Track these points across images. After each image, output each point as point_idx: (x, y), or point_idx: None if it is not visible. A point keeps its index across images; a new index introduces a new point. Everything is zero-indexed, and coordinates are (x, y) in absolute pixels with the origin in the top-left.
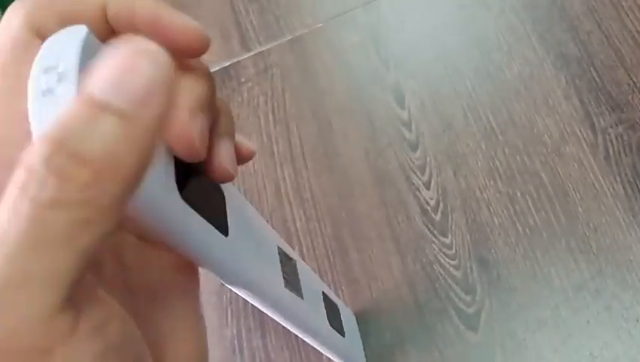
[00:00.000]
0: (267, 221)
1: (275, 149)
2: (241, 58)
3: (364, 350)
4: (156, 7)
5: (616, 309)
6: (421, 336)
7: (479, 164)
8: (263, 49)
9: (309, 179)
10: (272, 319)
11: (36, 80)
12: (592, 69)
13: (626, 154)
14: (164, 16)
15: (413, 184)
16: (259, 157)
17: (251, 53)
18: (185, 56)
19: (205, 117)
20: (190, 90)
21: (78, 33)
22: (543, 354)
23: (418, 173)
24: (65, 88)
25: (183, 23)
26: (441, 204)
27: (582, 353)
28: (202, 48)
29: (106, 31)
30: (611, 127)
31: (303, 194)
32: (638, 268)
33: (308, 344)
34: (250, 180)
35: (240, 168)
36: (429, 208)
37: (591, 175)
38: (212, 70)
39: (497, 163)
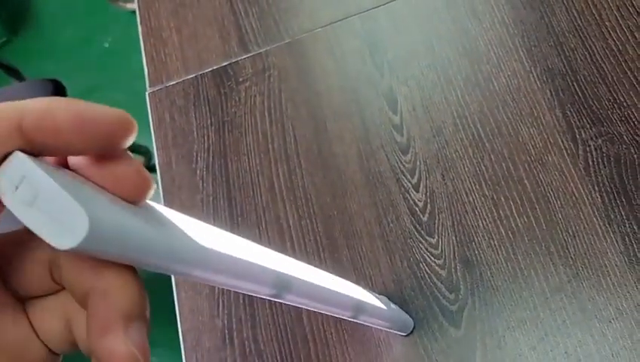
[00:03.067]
0: (261, 217)
1: (270, 147)
2: (239, 58)
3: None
4: (75, 105)
5: (590, 311)
6: (412, 332)
7: (466, 168)
8: (262, 50)
9: (302, 178)
10: (262, 311)
11: (13, 197)
12: (575, 83)
13: (604, 165)
14: (85, 112)
15: (403, 186)
16: (254, 155)
17: (250, 54)
18: (114, 143)
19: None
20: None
21: (18, 157)
22: (521, 351)
23: (408, 176)
24: (47, 192)
25: (104, 113)
26: (429, 206)
27: (557, 351)
28: (129, 131)
29: (24, 144)
30: (592, 139)
31: (296, 192)
32: (612, 272)
33: (297, 336)
34: (245, 176)
35: (235, 164)
36: (417, 209)
37: (571, 184)
38: (210, 69)
39: (483, 168)
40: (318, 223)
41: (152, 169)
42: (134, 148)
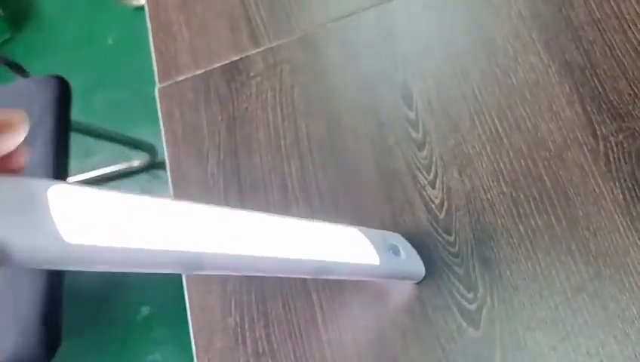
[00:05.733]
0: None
1: (283, 143)
2: (250, 53)
3: None
4: None
5: (613, 310)
6: (424, 332)
7: (484, 165)
8: (273, 45)
9: (315, 175)
10: (275, 309)
11: None
12: (594, 78)
13: (625, 162)
14: None
15: (419, 182)
16: (265, 151)
17: (261, 49)
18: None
19: None
20: None
21: None
22: (541, 351)
23: (424, 172)
24: None
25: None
26: (446, 203)
27: (579, 351)
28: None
29: None
30: (612, 134)
31: (309, 190)
32: (634, 271)
33: (311, 333)
34: (256, 173)
35: (246, 161)
36: (433, 207)
37: (592, 180)
38: (221, 64)
39: (502, 165)
40: (332, 221)
41: (157, 166)
42: (138, 145)
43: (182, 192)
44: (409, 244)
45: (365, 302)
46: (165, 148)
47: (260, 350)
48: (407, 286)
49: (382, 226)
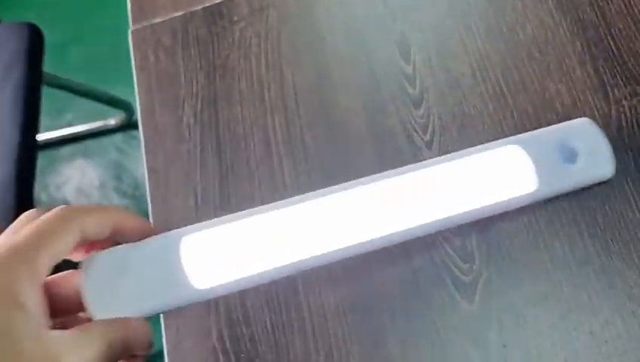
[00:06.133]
0: (254, 172)
1: (267, 95)
2: None
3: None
4: (118, 220)
5: (620, 288)
6: (413, 304)
7: (486, 127)
8: None
9: (301, 131)
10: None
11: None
12: (609, 37)
13: (639, 128)
14: (125, 225)
15: (415, 143)
16: (247, 103)
17: None
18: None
19: None
20: None
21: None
22: (540, 329)
23: (420, 132)
24: None
25: (135, 222)
26: None
27: (581, 330)
28: (148, 232)
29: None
30: (626, 98)
31: (294, 147)
32: None
33: (290, 301)
34: (237, 127)
35: (226, 113)
36: None
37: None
38: (202, 7)
39: (505, 127)
40: (317, 181)
41: (134, 125)
42: (115, 103)
43: (154, 144)
44: (599, 135)
45: (351, 269)
46: (137, 97)
47: (235, 317)
48: (397, 251)
49: None
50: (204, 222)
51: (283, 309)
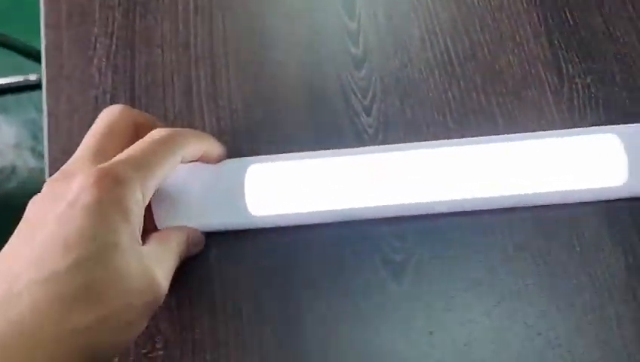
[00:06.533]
0: (171, 125)
1: (192, 41)
2: None
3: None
4: (209, 148)
5: (558, 275)
6: (337, 281)
7: (430, 94)
8: None
9: (229, 84)
10: None
11: None
12: (567, 9)
13: (591, 108)
14: (212, 153)
15: (352, 107)
16: (170, 48)
17: None
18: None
19: None
20: None
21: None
22: (472, 315)
23: (359, 96)
24: None
25: (220, 151)
26: (381, 135)
27: (515, 319)
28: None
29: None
30: (580, 76)
31: (219, 101)
32: (588, 234)
33: (199, 272)
34: (156, 74)
35: (144, 58)
36: (366, 137)
37: (551, 125)
38: None
39: (450, 96)
40: (242, 141)
41: None
42: (37, 56)
43: (57, 87)
44: None
45: (272, 241)
46: (43, 32)
47: None
48: (324, 223)
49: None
50: (275, 155)
51: (190, 282)
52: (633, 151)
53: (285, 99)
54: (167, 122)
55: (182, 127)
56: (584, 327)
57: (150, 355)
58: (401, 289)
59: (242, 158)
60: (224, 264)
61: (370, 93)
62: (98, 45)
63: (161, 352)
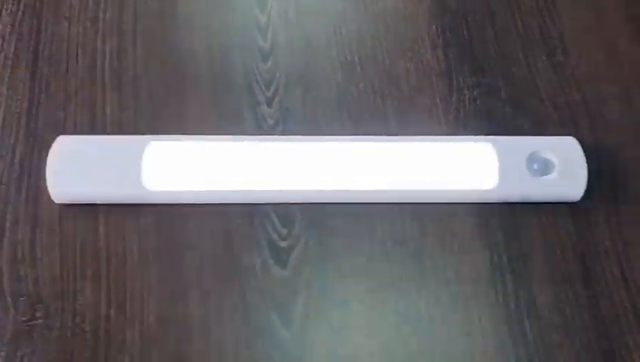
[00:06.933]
0: (71, 98)
1: (101, 16)
2: None
3: None
4: None
5: (429, 270)
6: (223, 262)
7: (331, 92)
8: None
9: (135, 63)
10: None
11: None
12: (464, 25)
13: (475, 118)
14: None
15: (255, 97)
16: (77, 20)
17: None
18: None
19: None
20: None
21: None
22: (347, 302)
23: (263, 87)
24: None
25: None
26: (280, 126)
27: (386, 307)
28: None
29: None
30: (468, 88)
31: (123, 78)
32: (460, 233)
33: (87, 244)
34: (61, 46)
35: (50, 28)
36: (266, 127)
37: (437, 130)
38: None
39: (349, 96)
40: (142, 120)
41: None
42: None
43: None
44: (579, 155)
45: (164, 219)
46: None
47: (20, 255)
48: (215, 207)
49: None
50: (174, 135)
51: (78, 252)
52: (505, 161)
53: (190, 82)
54: (67, 95)
55: (82, 101)
56: (448, 318)
57: (30, 323)
58: (284, 273)
59: (142, 136)
60: (112, 238)
61: (274, 86)
62: (4, 11)
63: (40, 321)
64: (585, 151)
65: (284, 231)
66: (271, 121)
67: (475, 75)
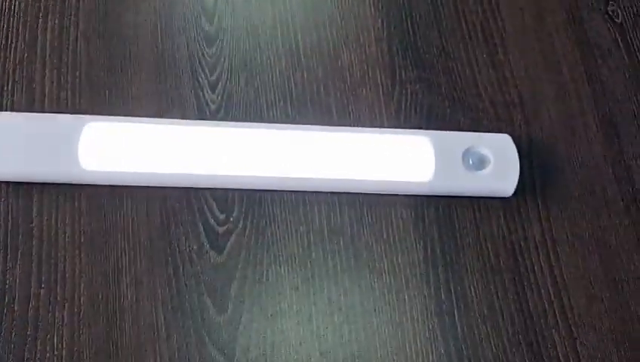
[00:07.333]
0: (9, 75)
1: None
2: None
3: None
4: None
5: (365, 259)
6: (158, 246)
7: (274, 80)
8: None
9: (77, 41)
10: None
11: None
12: (409, 20)
13: (415, 112)
14: None
15: (198, 81)
16: None
17: None
18: None
19: None
20: None
21: None
22: (281, 289)
23: (207, 71)
24: None
25: None
26: (222, 112)
27: (320, 295)
28: None
29: None
30: (410, 82)
31: (63, 56)
32: (397, 224)
33: (20, 224)
34: (1, 19)
35: None
36: (207, 112)
37: (378, 122)
38: None
39: (293, 85)
40: (80, 100)
41: None
42: None
43: None
44: (513, 152)
45: (100, 202)
46: None
47: None
48: (153, 190)
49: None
50: (113, 116)
51: (9, 231)
52: (441, 155)
53: (132, 63)
54: (4, 72)
55: (20, 78)
56: (381, 308)
57: None
58: (219, 259)
59: (80, 115)
60: (46, 217)
61: (218, 71)
62: None
63: None
64: (519, 149)
65: (222, 216)
66: (213, 106)
67: (417, 70)
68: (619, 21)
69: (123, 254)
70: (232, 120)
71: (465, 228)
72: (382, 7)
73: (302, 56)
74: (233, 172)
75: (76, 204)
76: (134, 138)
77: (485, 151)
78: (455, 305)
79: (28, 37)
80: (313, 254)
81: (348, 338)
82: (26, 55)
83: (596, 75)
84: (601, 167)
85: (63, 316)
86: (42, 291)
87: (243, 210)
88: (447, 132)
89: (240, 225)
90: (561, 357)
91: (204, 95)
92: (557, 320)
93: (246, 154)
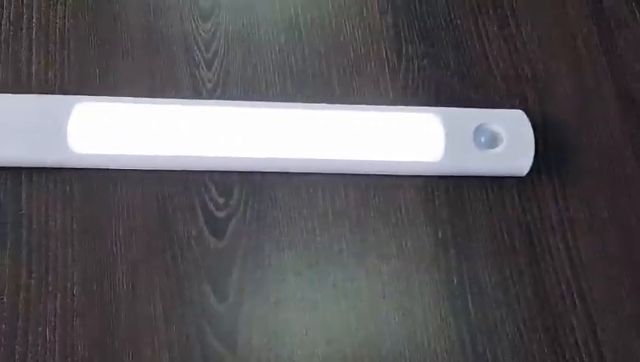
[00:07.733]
0: None
1: None
2: None
3: None
4: None
5: (371, 243)
6: (156, 232)
7: (274, 56)
8: None
9: (64, 17)
10: None
11: None
12: None
13: (423, 88)
14: None
15: (194, 59)
16: None
17: None
18: None
19: None
20: None
21: None
22: (284, 275)
23: (202, 48)
24: None
25: None
26: (219, 90)
27: (325, 281)
28: None
29: None
30: (417, 57)
31: (50, 33)
32: (405, 207)
33: (8, 212)
34: None
35: None
36: (204, 91)
37: (384, 99)
38: None
39: (293, 61)
40: (70, 79)
41: None
42: None
43: None
44: (527, 129)
45: (92, 187)
46: None
47: None
48: (148, 174)
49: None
50: (104, 97)
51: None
52: (451, 133)
53: (123, 40)
54: None
55: (6, 57)
56: (389, 293)
57: None
58: (220, 245)
59: (70, 96)
60: (35, 204)
61: (214, 47)
62: None
63: None
64: (533, 125)
65: (222, 200)
66: (209, 85)
67: (424, 45)
68: None
69: (118, 241)
70: (229, 99)
71: (477, 210)
72: None
73: (302, 31)
74: (232, 154)
75: (67, 189)
76: (127, 119)
77: (498, 128)
78: (468, 290)
79: (13, 14)
80: (317, 239)
81: (355, 326)
82: (11, 33)
83: (613, 46)
84: (619, 143)
85: (55, 307)
86: (33, 281)
87: (243, 193)
88: (457, 108)
89: (240, 210)
90: (580, 343)
91: (199, 73)
92: (575, 305)
93: (245, 135)
